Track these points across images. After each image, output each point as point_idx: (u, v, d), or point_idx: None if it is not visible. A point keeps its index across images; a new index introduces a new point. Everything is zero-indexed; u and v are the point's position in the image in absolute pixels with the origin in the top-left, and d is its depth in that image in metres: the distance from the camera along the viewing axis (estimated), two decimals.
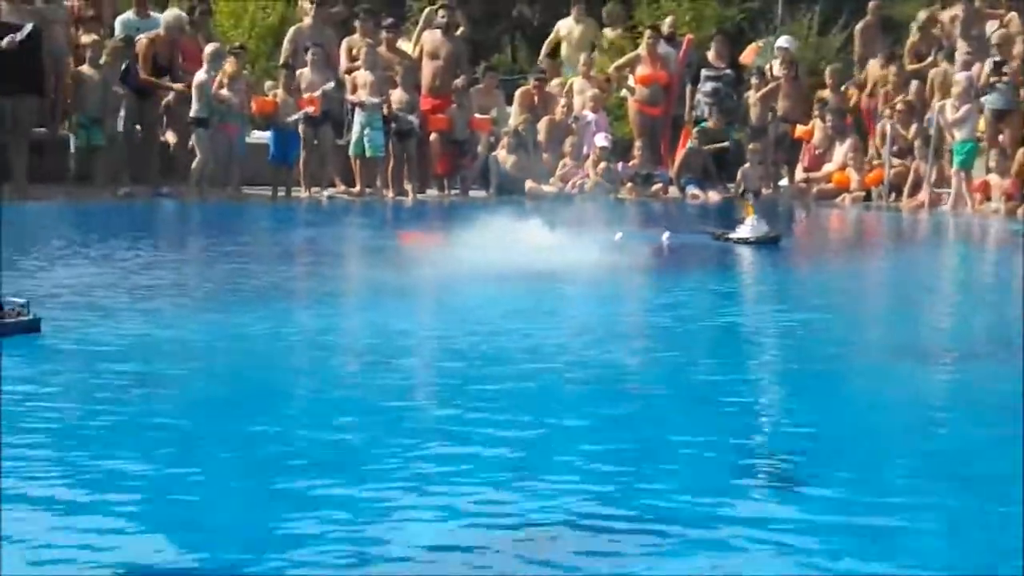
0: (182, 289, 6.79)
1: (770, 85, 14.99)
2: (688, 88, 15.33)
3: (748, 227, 8.90)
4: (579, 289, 6.76)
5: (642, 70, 15.20)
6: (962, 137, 13.38)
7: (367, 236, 10.37)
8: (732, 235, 8.98)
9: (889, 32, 15.47)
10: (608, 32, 16.38)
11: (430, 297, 6.72)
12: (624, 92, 15.68)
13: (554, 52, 16.20)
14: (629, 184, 14.58)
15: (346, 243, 9.85)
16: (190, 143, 13.34)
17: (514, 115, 15.03)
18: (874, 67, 14.81)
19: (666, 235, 9.17)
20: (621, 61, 15.80)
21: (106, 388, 4.14)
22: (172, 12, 13.87)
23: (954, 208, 13.27)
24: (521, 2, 20.52)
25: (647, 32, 15.48)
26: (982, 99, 13.50)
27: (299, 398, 4.26)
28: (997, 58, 13.67)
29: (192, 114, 13.21)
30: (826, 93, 14.79)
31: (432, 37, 14.77)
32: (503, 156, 14.43)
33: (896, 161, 14.12)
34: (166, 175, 13.46)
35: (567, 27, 16.05)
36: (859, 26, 15.51)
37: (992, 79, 13.47)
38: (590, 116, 14.99)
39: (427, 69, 14.63)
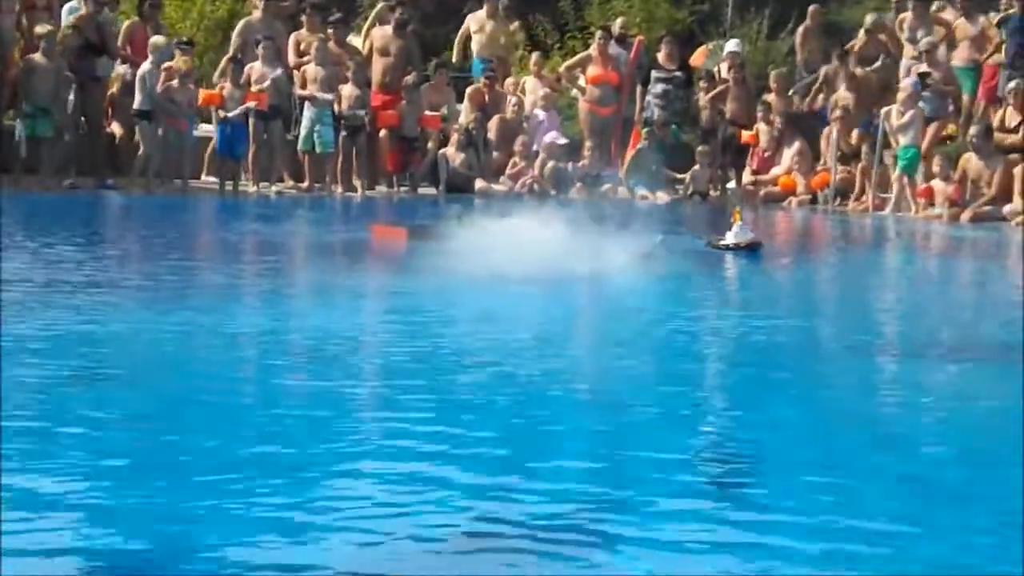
0: (117, 284, 6.70)
1: (719, 88, 15.10)
2: (638, 89, 15.41)
3: (733, 234, 8.86)
4: (546, 291, 6.73)
5: (593, 70, 15.25)
6: (906, 142, 13.56)
7: (324, 232, 10.33)
8: (721, 241, 8.90)
9: (836, 37, 15.62)
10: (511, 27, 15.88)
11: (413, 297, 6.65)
12: (575, 92, 15.74)
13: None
14: (579, 184, 14.63)
15: (303, 240, 9.82)
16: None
17: (464, 113, 15.02)
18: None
19: (658, 239, 9.06)
20: (572, 61, 15.86)
21: (33, 384, 4.09)
22: None
23: (897, 213, 13.46)
24: (473, 1, 20.49)
25: (598, 33, 15.55)
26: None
27: (230, 402, 4.20)
28: (923, 68, 13.95)
29: (136, 106, 13.11)
30: (771, 97, 14.92)
31: (382, 33, 14.73)
32: (452, 154, 14.43)
33: (840, 166, 14.29)
34: (114, 167, 13.34)
35: (478, 21, 15.70)
36: (799, 30, 15.69)
37: (918, 88, 13.79)
38: (541, 115, 15.03)
39: (377, 66, 14.59)
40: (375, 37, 14.75)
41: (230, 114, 13.44)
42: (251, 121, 13.55)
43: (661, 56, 15.45)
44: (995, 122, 13.55)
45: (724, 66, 15.36)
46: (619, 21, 16.15)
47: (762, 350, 5.34)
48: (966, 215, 12.83)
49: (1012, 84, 13.55)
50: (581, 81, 15.45)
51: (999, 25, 14.31)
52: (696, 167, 14.81)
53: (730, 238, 8.83)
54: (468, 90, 15.29)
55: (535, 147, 14.76)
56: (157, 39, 13.40)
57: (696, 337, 5.75)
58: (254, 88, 13.56)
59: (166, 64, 13.12)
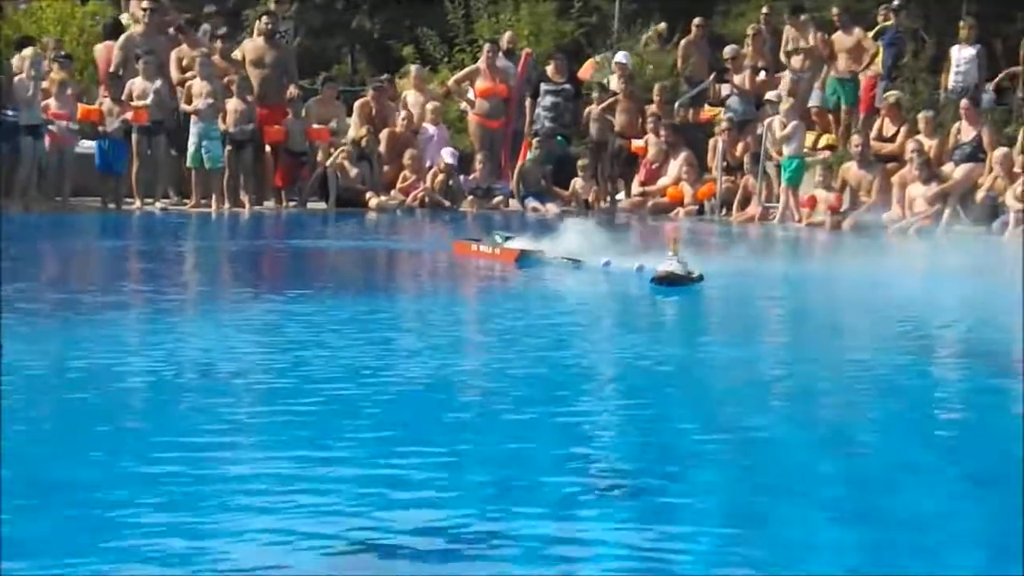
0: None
1: (608, 100, 15.22)
2: (528, 102, 15.47)
3: (665, 264, 7.82)
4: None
5: (481, 83, 15.29)
6: (789, 153, 13.82)
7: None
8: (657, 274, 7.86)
9: (718, 48, 15.86)
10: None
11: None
12: (464, 105, 15.74)
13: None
14: (470, 197, 14.63)
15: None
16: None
17: (354, 126, 14.91)
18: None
19: (604, 261, 8.55)
20: (460, 74, 15.87)
21: None
22: None
23: (782, 222, 13.69)
24: (361, 14, 20.43)
25: (486, 46, 15.58)
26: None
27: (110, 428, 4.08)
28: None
29: (23, 122, 12.67)
30: (655, 108, 15.07)
31: (255, 45, 14.47)
32: (345, 167, 14.30)
33: (725, 176, 14.50)
34: None
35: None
36: (682, 43, 15.92)
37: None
38: (431, 129, 15.00)
39: (253, 78, 14.30)
40: (247, 49, 14.48)
41: (109, 129, 13.17)
42: (133, 137, 13.30)
43: (550, 69, 15.53)
44: (873, 131, 13.90)
45: (613, 78, 15.50)
46: (507, 35, 16.21)
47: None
48: (847, 222, 13.13)
49: (888, 95, 13.91)
50: (470, 94, 15.47)
51: (876, 37, 14.67)
52: (578, 179, 14.88)
53: (661, 269, 7.87)
54: (357, 103, 15.20)
55: (428, 161, 14.72)
56: (27, 50, 13.04)
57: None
58: (135, 103, 13.31)
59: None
